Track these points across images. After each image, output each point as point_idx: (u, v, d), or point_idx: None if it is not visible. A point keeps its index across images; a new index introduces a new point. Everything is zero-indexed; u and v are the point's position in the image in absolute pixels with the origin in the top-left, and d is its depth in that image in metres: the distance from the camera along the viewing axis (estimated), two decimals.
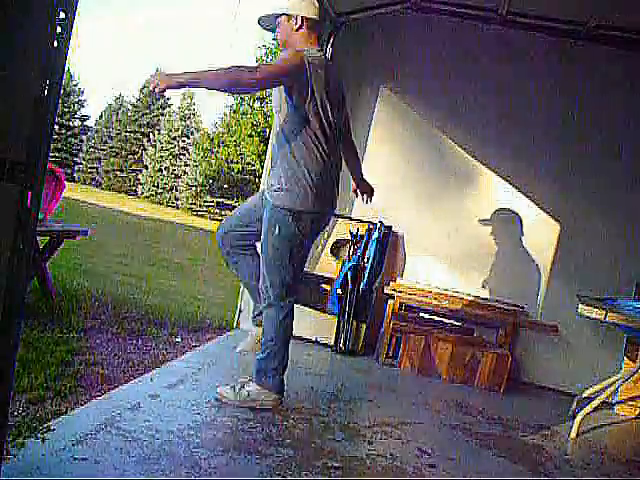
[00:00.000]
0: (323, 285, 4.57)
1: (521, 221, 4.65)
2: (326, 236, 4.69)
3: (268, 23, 2.76)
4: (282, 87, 2.58)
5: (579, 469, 2.95)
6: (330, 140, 2.68)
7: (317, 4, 2.72)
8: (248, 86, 2.51)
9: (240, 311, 4.50)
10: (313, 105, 2.57)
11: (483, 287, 4.66)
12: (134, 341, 3.86)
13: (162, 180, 40.16)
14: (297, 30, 2.65)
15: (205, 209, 36.78)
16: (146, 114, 43.01)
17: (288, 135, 2.64)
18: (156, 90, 2.30)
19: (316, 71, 2.56)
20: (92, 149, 43.33)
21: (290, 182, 2.62)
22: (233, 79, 2.39)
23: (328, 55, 4.52)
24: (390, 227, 4.64)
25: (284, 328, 2.78)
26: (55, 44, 1.47)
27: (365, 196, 3.26)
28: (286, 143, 2.64)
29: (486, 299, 4.57)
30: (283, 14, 2.68)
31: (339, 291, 4.44)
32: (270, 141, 2.85)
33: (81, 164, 43.05)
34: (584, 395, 3.84)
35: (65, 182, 4.53)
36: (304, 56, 2.54)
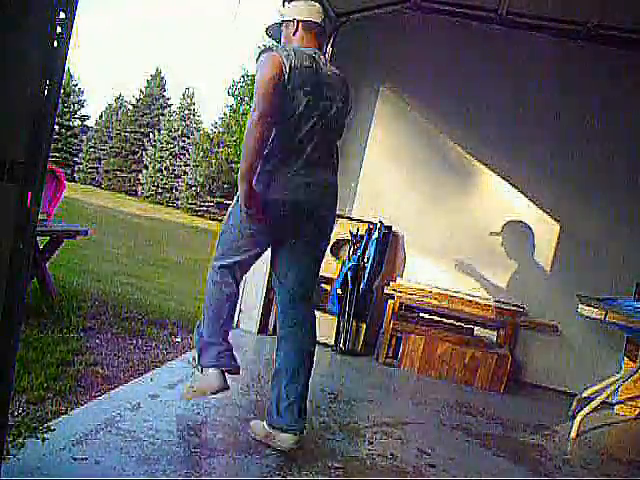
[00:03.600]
0: (323, 285, 4.57)
1: (522, 222, 4.65)
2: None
3: (273, 31, 2.77)
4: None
5: (579, 469, 2.95)
6: (314, 135, 2.50)
7: (314, 5, 2.68)
8: (262, 127, 2.38)
9: (240, 311, 4.50)
10: (294, 97, 2.43)
11: (483, 287, 4.66)
12: (134, 341, 3.85)
13: (162, 180, 40.13)
14: (294, 34, 2.63)
15: (205, 209, 36.77)
16: (146, 114, 42.99)
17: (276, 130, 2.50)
18: (256, 212, 2.38)
19: (295, 64, 2.42)
20: (92, 149, 43.31)
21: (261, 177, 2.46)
22: (251, 139, 2.38)
23: (327, 55, 4.53)
24: (390, 227, 4.64)
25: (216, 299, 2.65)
26: (55, 44, 1.47)
27: None
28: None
29: (486, 299, 4.57)
30: (283, 22, 2.67)
31: (339, 291, 4.44)
32: None
33: (81, 164, 43.01)
34: (584, 395, 3.84)
35: (65, 182, 4.53)
36: (277, 55, 2.43)
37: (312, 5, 2.68)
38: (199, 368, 2.63)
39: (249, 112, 2.47)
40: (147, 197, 39.84)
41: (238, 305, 4.55)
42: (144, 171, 40.89)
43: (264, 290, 4.35)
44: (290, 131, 2.48)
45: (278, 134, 2.47)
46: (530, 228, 4.63)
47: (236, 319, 4.54)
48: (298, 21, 2.62)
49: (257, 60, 2.47)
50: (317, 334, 2.63)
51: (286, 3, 2.72)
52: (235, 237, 2.55)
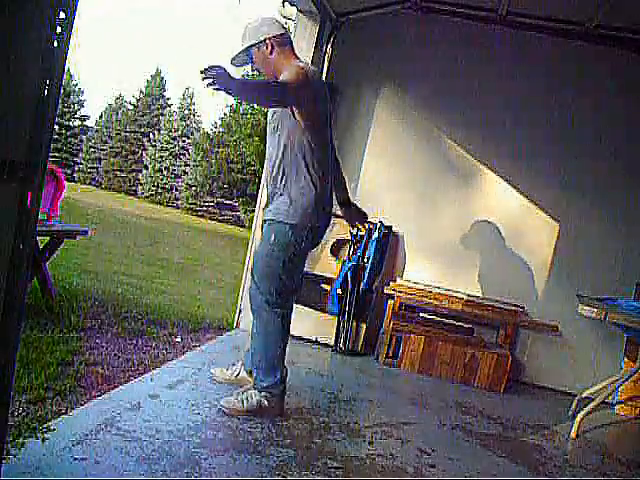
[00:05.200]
0: (323, 285, 4.57)
1: (521, 222, 4.66)
2: (326, 236, 4.69)
3: (241, 61, 2.77)
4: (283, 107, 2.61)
5: (579, 469, 2.95)
6: (327, 155, 2.74)
7: (274, 19, 2.72)
8: (281, 99, 2.50)
9: (240, 311, 4.51)
10: (315, 120, 2.62)
11: (483, 287, 4.66)
12: (134, 341, 3.85)
13: (162, 180, 40.11)
14: (271, 54, 2.65)
15: (205, 209, 36.76)
16: (146, 114, 42.96)
17: (294, 152, 2.64)
18: (210, 86, 2.25)
19: (316, 85, 2.64)
20: (92, 149, 43.27)
21: (297, 197, 2.65)
22: (265, 93, 2.49)
23: (326, 56, 4.54)
24: (390, 227, 4.64)
25: (272, 332, 2.74)
26: (55, 44, 1.47)
27: (357, 224, 3.23)
28: (293, 160, 2.65)
29: (486, 299, 4.57)
30: (251, 46, 2.68)
31: (339, 291, 4.44)
32: (266, 162, 2.82)
33: (81, 164, 42.98)
34: (584, 395, 3.84)
35: (65, 182, 4.53)
36: (306, 71, 2.56)
37: (273, 19, 2.71)
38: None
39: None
40: (147, 197, 39.81)
41: (238, 305, 4.57)
42: (144, 171, 40.86)
43: None
44: (324, 153, 2.69)
45: (318, 156, 2.66)
46: (532, 230, 4.63)
47: (236, 319, 4.55)
48: (269, 38, 2.64)
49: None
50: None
51: (247, 29, 2.72)
52: (283, 275, 2.71)
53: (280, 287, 2.70)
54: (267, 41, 2.64)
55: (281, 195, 2.69)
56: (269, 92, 2.47)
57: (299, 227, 2.64)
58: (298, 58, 2.75)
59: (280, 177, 2.70)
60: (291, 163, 2.66)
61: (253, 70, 2.87)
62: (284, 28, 2.72)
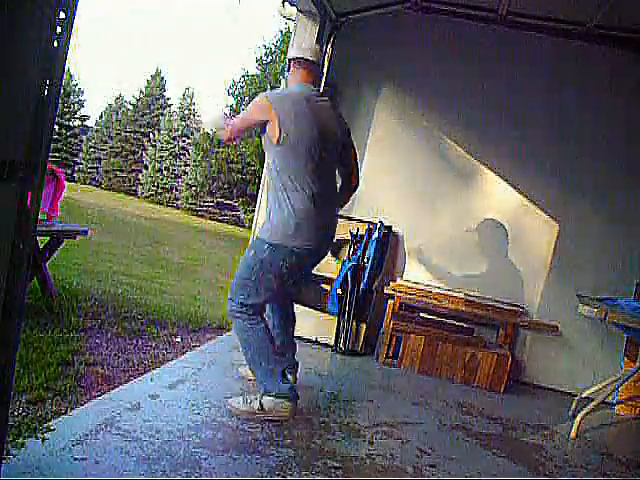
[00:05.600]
0: (323, 285, 4.57)
1: (521, 223, 4.65)
2: None
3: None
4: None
5: (579, 469, 2.95)
6: (320, 176, 2.77)
7: (306, 45, 3.03)
8: (227, 141, 3.04)
9: None
10: (290, 142, 2.70)
11: (483, 287, 4.66)
12: (134, 341, 3.85)
13: (162, 180, 40.11)
14: (288, 71, 2.98)
15: (205, 209, 36.76)
16: (146, 114, 42.96)
17: (275, 172, 2.76)
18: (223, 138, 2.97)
19: (287, 108, 2.73)
20: (92, 149, 43.25)
21: (274, 217, 2.73)
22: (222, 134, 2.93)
23: (327, 56, 4.53)
24: (390, 227, 4.64)
25: (248, 339, 2.78)
26: (55, 44, 1.47)
27: None
28: (274, 179, 2.77)
29: (486, 299, 4.57)
30: (288, 62, 3.03)
31: (339, 291, 4.44)
32: (263, 178, 3.07)
33: (81, 164, 42.97)
34: (584, 395, 3.84)
35: (65, 182, 4.52)
36: (267, 98, 2.77)
37: (310, 46, 3.01)
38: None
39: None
40: (147, 197, 39.80)
41: None
42: (144, 171, 40.85)
43: None
44: (304, 173, 2.72)
45: (296, 180, 2.71)
46: (532, 230, 4.63)
47: None
48: (289, 60, 2.98)
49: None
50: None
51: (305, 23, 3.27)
52: (259, 289, 2.78)
53: (246, 299, 2.75)
54: (290, 61, 2.97)
55: (270, 213, 2.79)
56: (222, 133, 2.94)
57: (279, 247, 2.71)
58: (313, 80, 2.94)
59: (270, 197, 2.83)
60: (274, 186, 2.77)
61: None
62: (312, 55, 2.92)
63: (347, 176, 3.06)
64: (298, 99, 2.77)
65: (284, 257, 2.70)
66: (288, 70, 2.99)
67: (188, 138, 40.26)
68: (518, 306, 4.56)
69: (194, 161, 37.44)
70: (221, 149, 30.87)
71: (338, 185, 3.02)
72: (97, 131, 43.75)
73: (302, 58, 2.90)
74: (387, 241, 4.62)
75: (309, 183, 2.72)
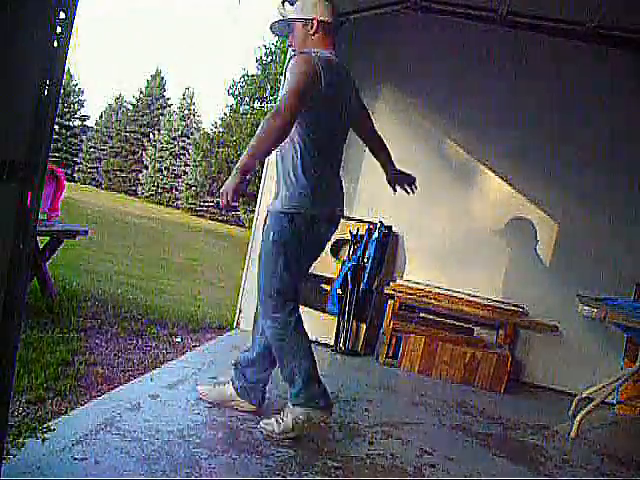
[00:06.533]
0: (323, 285, 4.57)
1: (524, 219, 4.65)
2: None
3: (281, 29, 2.67)
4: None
5: (579, 469, 2.95)
6: (334, 142, 2.58)
7: (331, 5, 2.62)
8: (284, 127, 2.33)
9: (240, 311, 4.51)
10: (319, 108, 2.44)
11: (483, 287, 4.66)
12: (134, 341, 3.85)
13: (162, 180, 40.15)
14: (313, 35, 2.55)
15: (205, 209, 36.77)
16: (146, 114, 43.00)
17: (294, 141, 2.48)
18: (229, 203, 2.33)
19: (325, 72, 2.43)
20: (92, 149, 43.30)
21: (288, 187, 2.48)
22: (271, 133, 2.32)
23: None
24: (390, 227, 4.64)
25: (290, 338, 2.52)
26: (55, 44, 1.47)
27: (406, 187, 2.96)
28: (290, 149, 2.50)
29: (486, 299, 4.57)
30: (298, 19, 2.57)
31: (339, 291, 4.44)
32: (263, 178, 2.75)
33: (81, 164, 43.01)
34: (584, 395, 3.84)
35: (65, 182, 4.53)
36: (312, 60, 2.41)
37: (329, 5, 2.61)
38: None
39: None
40: (147, 197, 39.84)
41: (238, 305, 4.56)
42: (144, 171, 40.89)
43: None
44: (325, 140, 2.50)
45: (317, 143, 2.47)
46: (532, 230, 4.63)
47: (236, 319, 4.55)
48: (319, 21, 2.55)
49: (288, 63, 2.48)
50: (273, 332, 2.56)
51: (303, 1, 2.61)
52: (287, 272, 2.51)
53: (283, 287, 2.51)
54: (314, 21, 2.54)
55: (282, 189, 2.54)
56: (270, 132, 2.32)
57: (295, 216, 2.46)
58: (334, 47, 2.63)
59: (281, 171, 2.57)
60: (289, 153, 2.52)
61: (287, 44, 2.73)
62: (336, 17, 2.61)
63: (372, 133, 2.88)
64: (336, 63, 2.53)
65: (305, 224, 2.48)
66: (314, 32, 2.56)
67: (188, 138, 40.30)
68: (518, 306, 4.56)
69: (194, 161, 37.47)
70: (221, 149, 30.88)
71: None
72: (97, 131, 43.80)
73: (333, 22, 2.57)
74: (387, 241, 4.62)
75: (332, 151, 2.56)
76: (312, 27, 2.55)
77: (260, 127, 2.34)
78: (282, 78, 2.61)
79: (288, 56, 2.63)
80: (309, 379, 2.49)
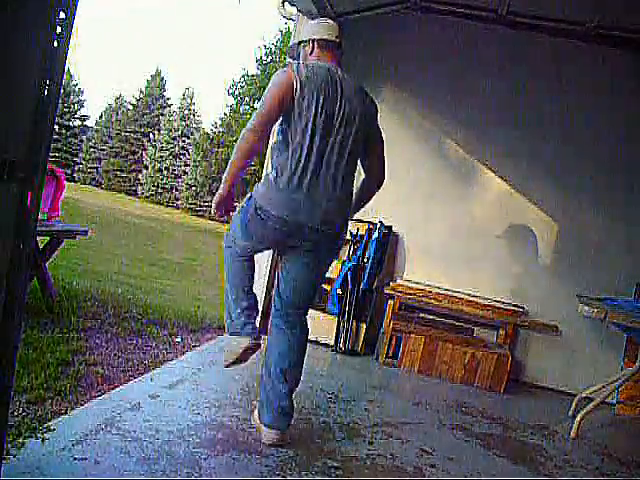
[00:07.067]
0: (323, 285, 4.56)
1: (525, 225, 4.66)
2: None
3: (293, 53, 2.88)
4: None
5: (579, 469, 2.95)
6: (320, 149, 2.47)
7: (328, 23, 2.74)
8: (256, 141, 2.51)
9: None
10: (299, 112, 2.44)
11: (483, 287, 4.66)
12: (134, 341, 3.85)
13: (162, 180, 40.16)
14: (311, 53, 2.69)
15: (205, 209, 36.78)
16: (146, 114, 43.01)
17: (278, 139, 2.56)
18: (217, 212, 2.60)
19: (303, 78, 2.45)
20: (92, 149, 43.31)
21: (266, 178, 2.54)
22: (244, 148, 2.53)
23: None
24: (390, 227, 4.64)
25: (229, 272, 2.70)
26: (55, 44, 1.47)
27: None
28: (276, 145, 2.57)
29: (486, 299, 4.57)
30: (300, 42, 2.76)
31: (339, 291, 4.44)
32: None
33: (81, 164, 43.01)
34: (584, 395, 3.84)
35: (65, 182, 4.52)
36: (289, 69, 2.50)
37: (326, 23, 2.75)
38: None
39: (251, 113, 2.57)
40: (147, 197, 39.85)
41: None
42: (144, 171, 40.90)
43: (264, 291, 4.36)
44: (303, 145, 2.47)
45: (290, 146, 2.48)
46: (532, 230, 4.63)
47: None
48: (313, 41, 2.69)
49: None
50: (304, 342, 2.67)
51: (305, 23, 2.80)
52: (240, 236, 2.62)
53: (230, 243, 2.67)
54: (310, 42, 2.70)
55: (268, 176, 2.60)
56: (243, 147, 2.53)
57: (255, 200, 2.52)
58: (337, 60, 2.67)
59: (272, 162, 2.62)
60: (275, 147, 2.58)
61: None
62: (335, 34, 2.69)
63: (369, 170, 2.76)
64: (319, 66, 2.54)
65: (256, 212, 2.52)
66: (311, 51, 2.67)
67: (188, 138, 40.31)
68: (518, 306, 4.56)
69: (194, 161, 37.49)
70: (221, 149, 30.90)
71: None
72: (97, 131, 43.81)
73: (326, 40, 2.65)
74: (387, 241, 4.62)
75: (308, 156, 2.47)
76: (309, 47, 2.71)
77: (237, 143, 2.57)
78: None
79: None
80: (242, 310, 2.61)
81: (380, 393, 3.67)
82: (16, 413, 2.32)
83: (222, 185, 2.57)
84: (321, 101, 2.47)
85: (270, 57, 27.38)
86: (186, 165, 39.36)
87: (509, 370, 4.14)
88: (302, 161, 2.48)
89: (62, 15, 1.47)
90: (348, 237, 4.59)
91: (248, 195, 2.62)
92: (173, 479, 2.02)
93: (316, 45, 2.68)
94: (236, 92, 29.95)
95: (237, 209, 2.65)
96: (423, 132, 4.77)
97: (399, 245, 4.76)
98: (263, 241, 2.64)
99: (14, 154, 1.44)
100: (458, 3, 4.49)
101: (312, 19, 4.32)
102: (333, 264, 4.59)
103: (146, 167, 40.88)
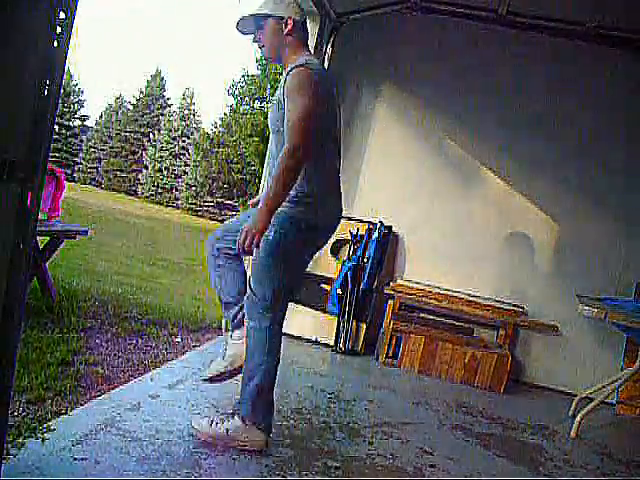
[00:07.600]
0: (323, 285, 4.57)
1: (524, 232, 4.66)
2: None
3: (248, 27, 2.46)
4: (280, 104, 2.30)
5: (579, 469, 2.95)
6: (335, 152, 2.49)
7: (300, 5, 2.48)
8: (303, 159, 2.21)
9: None
10: (323, 121, 2.33)
11: (483, 287, 4.66)
12: (134, 341, 3.85)
13: (162, 180, 40.13)
14: (289, 34, 2.38)
15: (205, 209, 36.77)
16: (146, 114, 42.98)
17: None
18: (253, 246, 2.18)
19: (322, 85, 2.32)
20: (92, 149, 43.28)
21: (299, 196, 2.33)
22: (290, 170, 2.20)
23: (327, 56, 4.53)
24: (390, 227, 4.64)
25: (272, 345, 2.37)
26: (55, 44, 1.47)
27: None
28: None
29: (486, 299, 4.57)
30: (271, 16, 2.38)
31: (339, 291, 4.44)
32: (267, 159, 2.60)
33: (81, 164, 42.99)
34: (584, 395, 3.84)
35: (65, 182, 4.52)
36: (311, 73, 2.26)
37: (301, 6, 2.48)
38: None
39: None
40: (147, 197, 39.82)
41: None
42: (144, 171, 40.87)
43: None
44: (328, 151, 2.42)
45: (322, 155, 2.36)
46: (532, 230, 4.63)
47: None
48: (295, 21, 2.39)
49: (288, 75, 2.28)
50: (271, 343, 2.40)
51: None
52: (280, 276, 2.38)
53: (271, 290, 2.37)
54: (289, 20, 2.38)
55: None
56: (288, 170, 2.19)
57: (296, 219, 2.33)
58: (309, 51, 2.48)
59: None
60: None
61: (257, 45, 2.47)
62: (305, 18, 2.48)
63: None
64: (321, 66, 2.43)
65: (303, 228, 2.36)
66: (289, 31, 2.38)
67: (188, 138, 40.29)
68: (518, 306, 4.56)
69: (194, 161, 37.47)
70: (221, 149, 30.92)
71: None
72: (97, 131, 43.77)
73: (303, 22, 2.42)
74: (387, 241, 4.62)
75: (336, 158, 2.47)
76: (286, 26, 2.38)
77: (278, 166, 2.22)
78: (281, 79, 2.47)
79: (259, 55, 2.50)
80: (261, 391, 2.35)
81: (380, 393, 3.67)
82: (16, 413, 2.32)
83: (264, 218, 2.18)
84: (331, 102, 2.43)
85: None
86: (186, 165, 39.34)
87: (509, 370, 4.14)
88: (332, 169, 2.47)
89: (62, 15, 1.47)
90: (348, 237, 4.60)
91: (275, 225, 2.29)
92: (173, 479, 2.02)
93: (297, 28, 2.39)
94: (236, 92, 29.97)
95: (261, 250, 2.29)
96: (423, 132, 4.76)
97: (399, 245, 4.76)
98: (305, 263, 2.53)
99: (14, 154, 1.44)
100: (458, 3, 4.49)
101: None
102: (333, 264, 4.62)
103: (146, 167, 40.86)
